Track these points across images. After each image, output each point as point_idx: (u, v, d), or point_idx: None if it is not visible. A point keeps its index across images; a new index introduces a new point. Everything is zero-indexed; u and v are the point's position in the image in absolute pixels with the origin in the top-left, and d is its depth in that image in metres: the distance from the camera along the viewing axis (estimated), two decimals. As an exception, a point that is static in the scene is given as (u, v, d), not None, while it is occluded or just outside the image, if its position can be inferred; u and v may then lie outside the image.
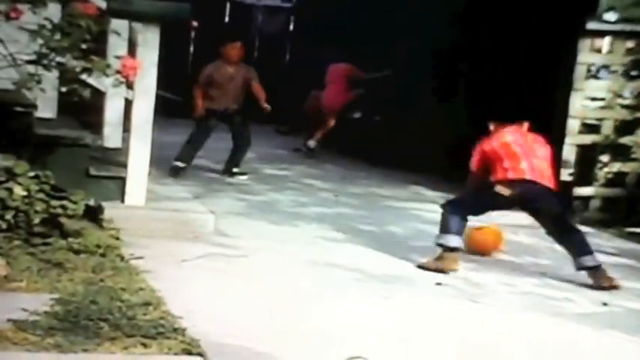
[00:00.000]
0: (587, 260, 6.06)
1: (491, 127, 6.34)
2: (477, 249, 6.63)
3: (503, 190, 6.10)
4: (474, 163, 6.30)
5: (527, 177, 6.10)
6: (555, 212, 6.18)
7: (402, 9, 10.80)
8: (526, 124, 6.35)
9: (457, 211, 6.12)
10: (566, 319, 5.20)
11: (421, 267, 6.03)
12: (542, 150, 6.29)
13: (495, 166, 6.18)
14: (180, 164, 8.63)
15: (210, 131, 8.96)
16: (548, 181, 6.19)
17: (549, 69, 8.67)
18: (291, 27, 14.05)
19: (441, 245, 6.07)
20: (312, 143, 11.18)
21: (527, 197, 6.12)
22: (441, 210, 6.24)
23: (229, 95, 8.91)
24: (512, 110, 6.60)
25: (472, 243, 6.59)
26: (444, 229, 6.09)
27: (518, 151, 6.17)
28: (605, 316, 5.37)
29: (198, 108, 8.87)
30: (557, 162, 8.46)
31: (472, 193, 6.33)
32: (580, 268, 6.08)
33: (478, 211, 6.27)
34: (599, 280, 6.00)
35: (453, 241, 6.03)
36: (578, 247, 6.11)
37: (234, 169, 9.03)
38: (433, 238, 6.20)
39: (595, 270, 6.05)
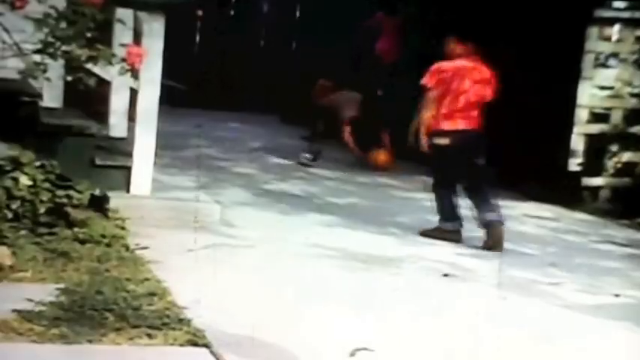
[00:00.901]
0: (492, 215, 6.33)
1: (451, 44, 6.40)
2: (376, 165, 9.20)
3: (442, 140, 6.33)
4: (428, 81, 6.37)
5: (461, 127, 6.29)
6: (475, 168, 6.38)
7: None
8: (481, 49, 6.38)
9: (440, 193, 6.49)
10: (575, 310, 5.16)
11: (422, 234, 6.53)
12: (482, 88, 6.34)
13: (437, 107, 6.32)
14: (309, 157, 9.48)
15: None
16: (475, 123, 6.34)
17: (557, 58, 8.59)
18: (298, 15, 13.97)
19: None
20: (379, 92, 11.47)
21: (460, 148, 6.30)
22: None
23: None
24: (473, 28, 6.69)
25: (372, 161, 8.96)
26: (439, 214, 6.54)
27: (455, 89, 6.27)
28: (616, 308, 5.32)
29: (355, 150, 9.74)
30: (563, 151, 8.55)
31: (435, 165, 6.52)
32: (483, 223, 6.36)
33: (451, 177, 6.46)
34: (493, 237, 6.26)
35: (446, 225, 6.50)
36: (485, 204, 6.35)
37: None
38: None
39: (496, 225, 6.29)
